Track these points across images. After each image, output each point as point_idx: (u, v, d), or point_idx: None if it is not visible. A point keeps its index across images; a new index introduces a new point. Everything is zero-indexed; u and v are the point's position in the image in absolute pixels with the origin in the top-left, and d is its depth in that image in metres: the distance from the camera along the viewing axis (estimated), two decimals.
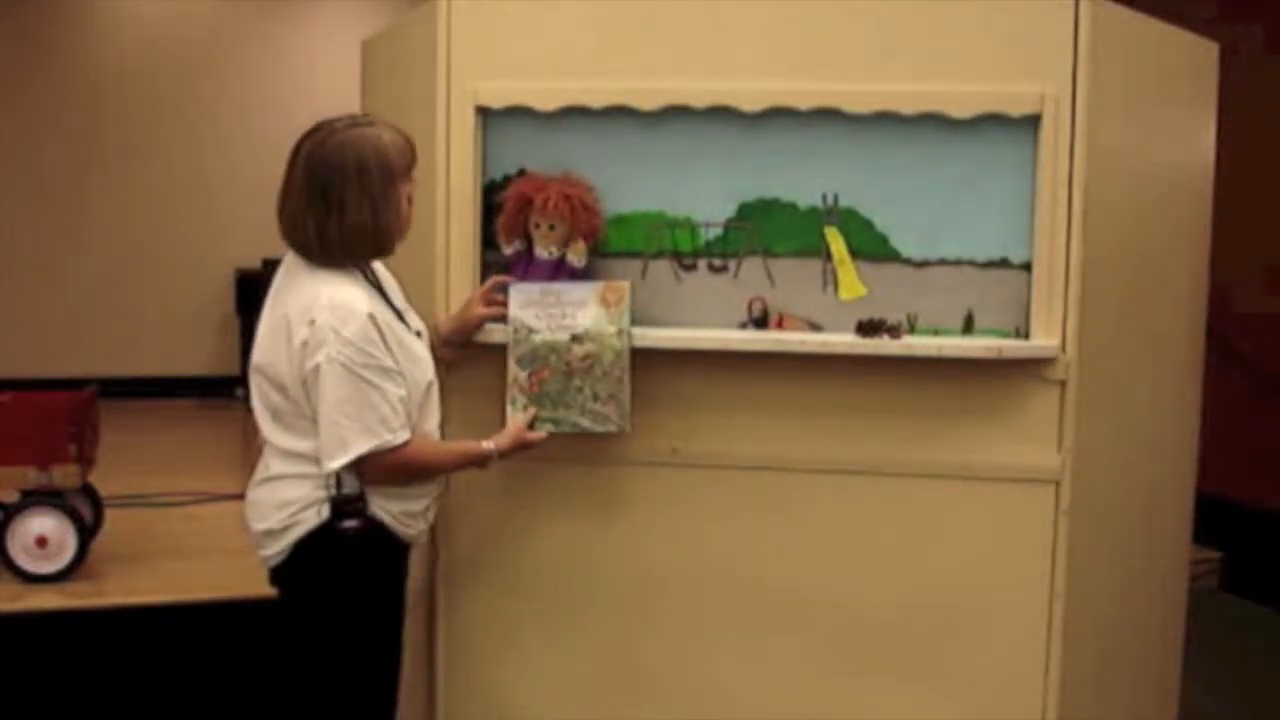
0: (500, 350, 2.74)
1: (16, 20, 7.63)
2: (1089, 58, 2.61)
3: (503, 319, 2.70)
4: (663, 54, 2.74)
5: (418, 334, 2.57)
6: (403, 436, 2.41)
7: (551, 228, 2.72)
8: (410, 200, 2.50)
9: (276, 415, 2.46)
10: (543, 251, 2.74)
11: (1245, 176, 4.63)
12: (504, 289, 2.71)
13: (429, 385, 2.53)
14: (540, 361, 2.68)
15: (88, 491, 4.22)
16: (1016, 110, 2.63)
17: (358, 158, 2.39)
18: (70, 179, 7.76)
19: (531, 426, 2.66)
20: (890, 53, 2.68)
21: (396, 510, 2.49)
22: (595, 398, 2.67)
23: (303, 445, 2.43)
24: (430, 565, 2.90)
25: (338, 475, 2.40)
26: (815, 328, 2.76)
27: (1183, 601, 3.37)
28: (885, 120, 2.67)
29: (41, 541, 3.91)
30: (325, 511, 2.42)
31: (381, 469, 2.41)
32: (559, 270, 2.74)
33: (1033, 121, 2.63)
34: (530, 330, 2.68)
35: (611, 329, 2.66)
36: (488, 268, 2.83)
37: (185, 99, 7.91)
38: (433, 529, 2.75)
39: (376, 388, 2.37)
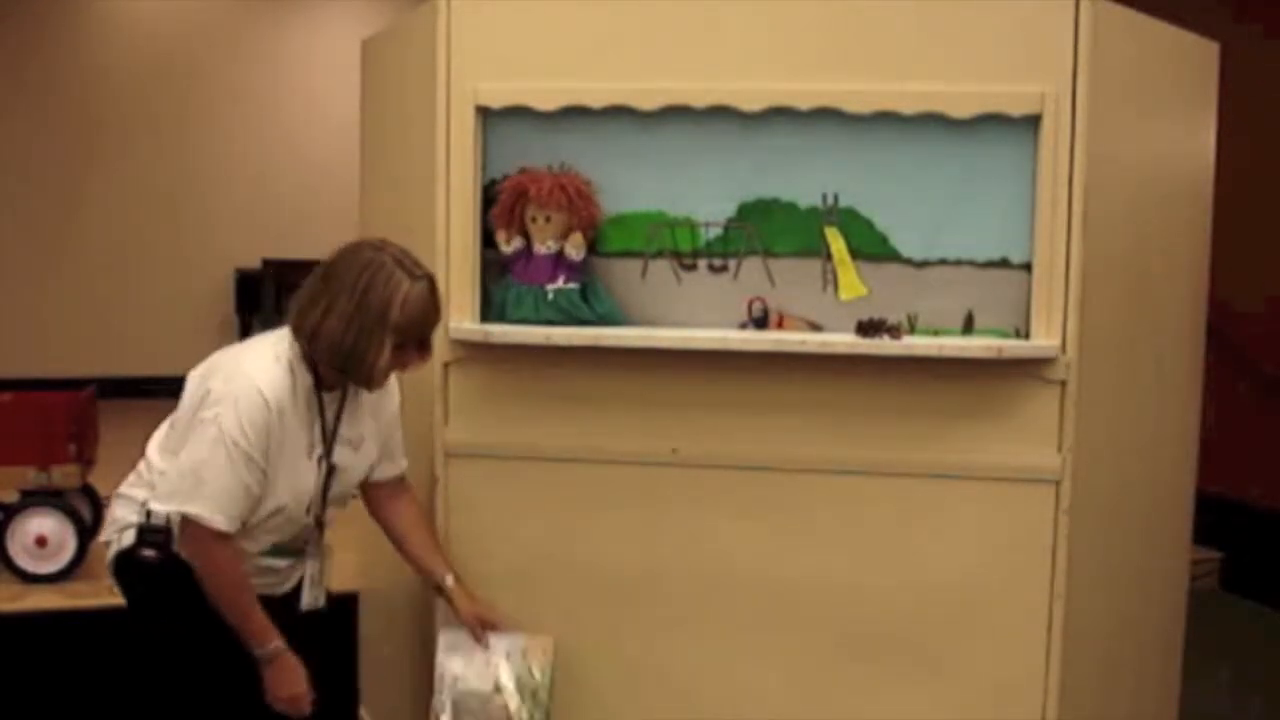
0: (504, 350, 2.75)
1: (16, 20, 7.63)
2: (1089, 58, 2.61)
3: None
4: (663, 54, 2.73)
5: (331, 466, 2.52)
6: (226, 525, 2.38)
7: (548, 219, 2.72)
8: (402, 365, 2.46)
9: (169, 427, 2.53)
10: (540, 246, 2.74)
11: (1246, 177, 4.63)
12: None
13: (281, 511, 2.47)
14: (464, 709, 2.64)
15: (87, 491, 4.22)
16: (1016, 110, 2.63)
17: (367, 284, 2.38)
18: (70, 179, 7.76)
19: None
20: (890, 53, 2.68)
21: None
22: None
23: (156, 459, 2.52)
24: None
25: (148, 508, 2.46)
26: (815, 328, 2.76)
27: (1183, 601, 3.37)
28: (885, 120, 2.67)
29: (41, 541, 3.91)
30: (130, 538, 2.49)
31: (190, 539, 2.41)
32: (558, 265, 2.74)
33: (1033, 122, 2.63)
34: (456, 677, 2.66)
35: (535, 682, 2.65)
36: (487, 266, 2.83)
37: (185, 99, 7.91)
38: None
39: (234, 469, 2.36)
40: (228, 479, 2.36)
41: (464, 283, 2.79)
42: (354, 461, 2.59)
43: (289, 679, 2.47)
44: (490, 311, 2.82)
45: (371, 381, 2.46)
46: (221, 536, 2.39)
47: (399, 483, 2.72)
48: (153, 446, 2.56)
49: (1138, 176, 2.88)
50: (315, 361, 2.45)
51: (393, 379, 2.62)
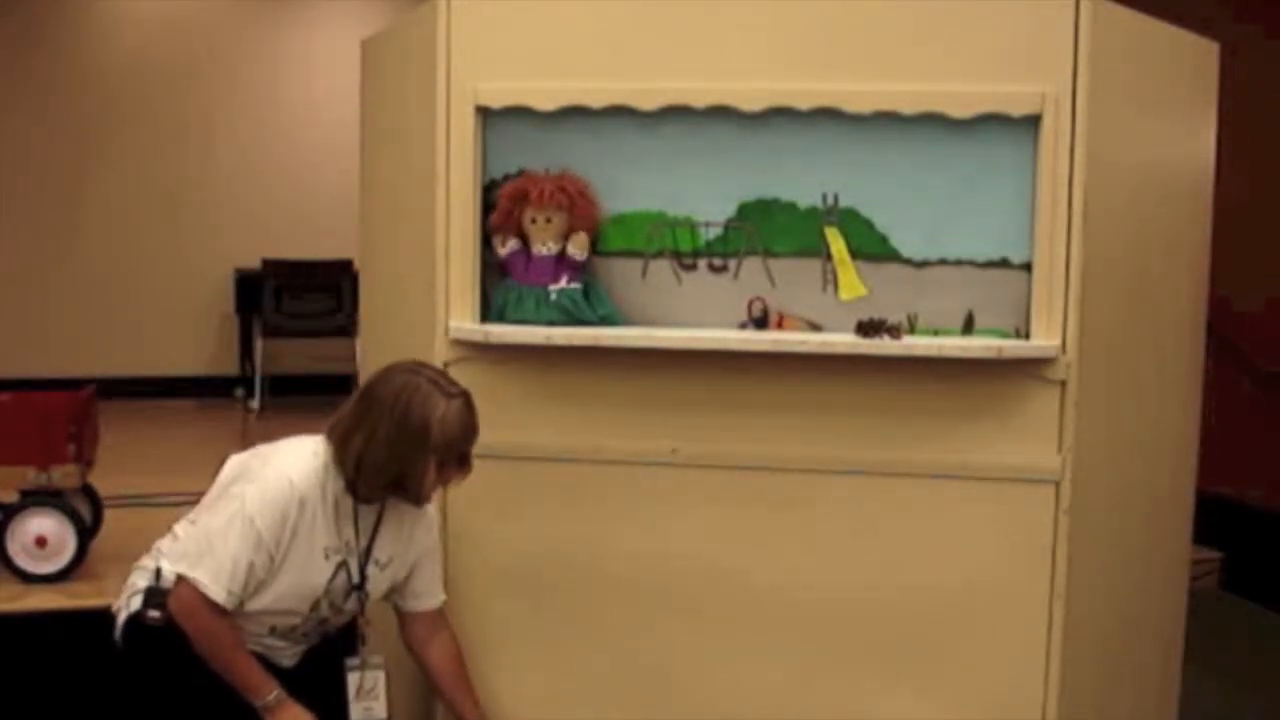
0: (504, 350, 2.75)
1: (16, 20, 7.63)
2: (1089, 58, 2.61)
3: None
4: (663, 54, 2.73)
5: (359, 580, 2.54)
6: (221, 599, 2.41)
7: (548, 220, 2.72)
8: (446, 480, 2.52)
9: (198, 509, 2.57)
10: (540, 248, 2.74)
11: (1246, 177, 4.63)
12: None
13: (281, 601, 2.49)
14: None
15: (87, 491, 4.22)
16: (1016, 110, 2.63)
17: (404, 407, 2.42)
18: (69, 179, 7.75)
19: None
20: (890, 53, 2.68)
21: None
22: None
23: (181, 533, 2.56)
24: None
25: (159, 570, 2.51)
26: (815, 328, 2.76)
27: (1183, 601, 3.36)
28: (885, 120, 2.67)
29: (41, 541, 3.91)
30: (138, 602, 2.53)
31: (184, 600, 2.43)
32: (560, 265, 2.74)
33: (1033, 121, 2.63)
34: None
35: None
36: (488, 267, 2.83)
37: (185, 99, 7.90)
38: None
39: (244, 546, 2.40)
40: (235, 552, 2.40)
41: (464, 283, 2.79)
42: (379, 581, 2.61)
43: None
44: (490, 312, 2.82)
45: (421, 499, 2.52)
46: (214, 607, 2.42)
47: (438, 616, 2.72)
48: (180, 522, 2.61)
49: (1138, 176, 2.88)
50: (352, 476, 2.47)
51: (433, 512, 2.69)
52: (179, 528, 2.59)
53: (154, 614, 2.49)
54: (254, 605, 2.48)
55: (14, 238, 7.67)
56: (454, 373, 2.81)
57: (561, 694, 2.87)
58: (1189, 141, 3.17)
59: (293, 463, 2.47)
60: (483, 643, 2.88)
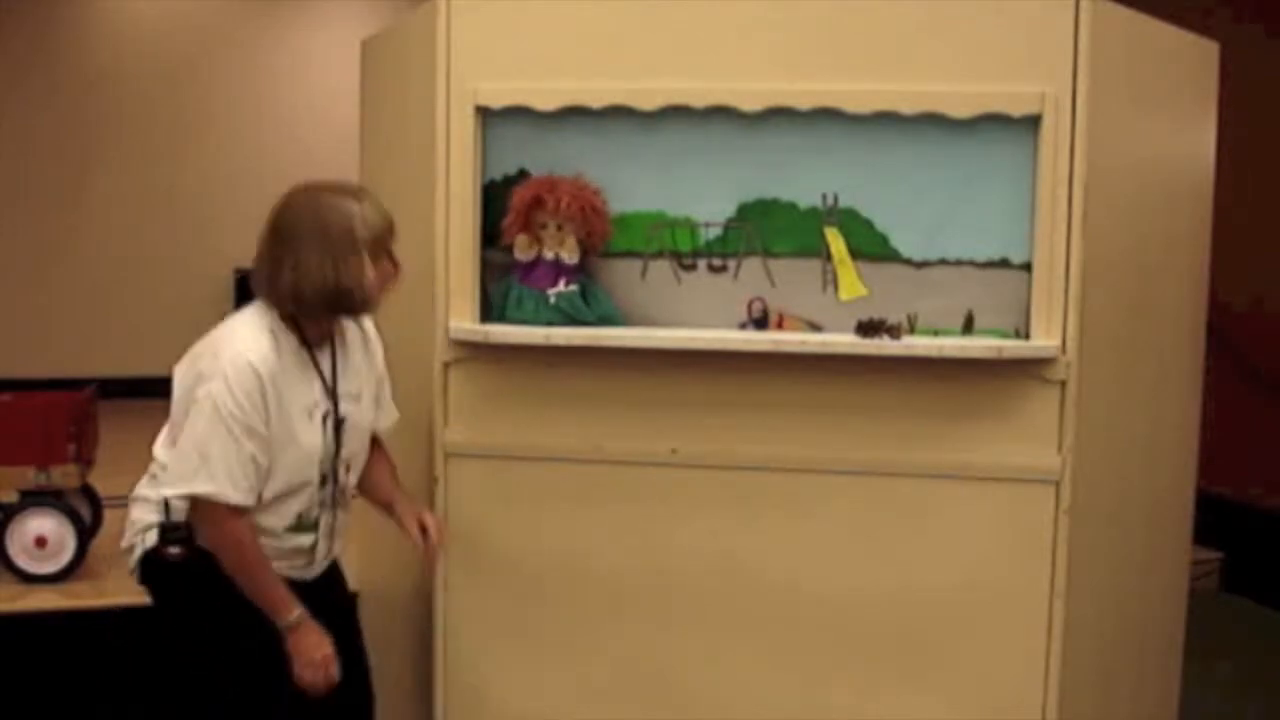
0: (504, 350, 2.74)
1: (17, 20, 7.63)
2: (1089, 58, 2.61)
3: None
4: (663, 54, 2.73)
5: (338, 422, 2.53)
6: (239, 498, 2.39)
7: (559, 227, 2.73)
8: (384, 278, 2.49)
9: (169, 426, 2.54)
10: (548, 253, 2.75)
11: (1246, 177, 4.63)
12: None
13: (294, 476, 2.48)
14: None
15: (87, 491, 4.22)
16: (1016, 110, 2.63)
17: (319, 220, 2.42)
18: (69, 179, 7.75)
19: None
20: (890, 53, 2.67)
21: None
22: None
23: (163, 456, 2.52)
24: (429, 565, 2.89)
25: (166, 502, 2.47)
26: (815, 328, 2.76)
27: (1183, 601, 3.37)
28: (885, 120, 2.67)
29: (41, 542, 3.91)
30: (152, 538, 2.49)
31: (205, 519, 2.43)
32: (557, 270, 2.75)
33: (1033, 121, 2.63)
34: None
35: None
36: (488, 267, 2.83)
37: (184, 98, 7.90)
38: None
39: (235, 441, 2.38)
40: (231, 452, 2.37)
41: (464, 283, 2.79)
42: (358, 414, 2.60)
43: (314, 642, 2.47)
44: (489, 312, 2.82)
45: (369, 303, 2.49)
46: (235, 511, 2.40)
47: (378, 440, 2.74)
48: (157, 445, 2.57)
49: (1138, 176, 2.88)
50: (299, 322, 2.47)
51: (374, 333, 2.67)
52: (160, 452, 2.54)
53: (173, 550, 2.46)
54: (270, 493, 2.46)
55: (14, 238, 7.68)
56: (454, 372, 2.81)
57: (561, 694, 2.87)
58: (1189, 141, 3.17)
59: (244, 344, 2.42)
60: (483, 643, 2.88)
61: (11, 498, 3.97)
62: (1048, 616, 2.69)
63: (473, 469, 2.83)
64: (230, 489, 2.38)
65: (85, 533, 4.01)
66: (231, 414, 2.37)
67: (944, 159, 2.69)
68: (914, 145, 2.69)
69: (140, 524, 2.54)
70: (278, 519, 2.50)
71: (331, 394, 2.53)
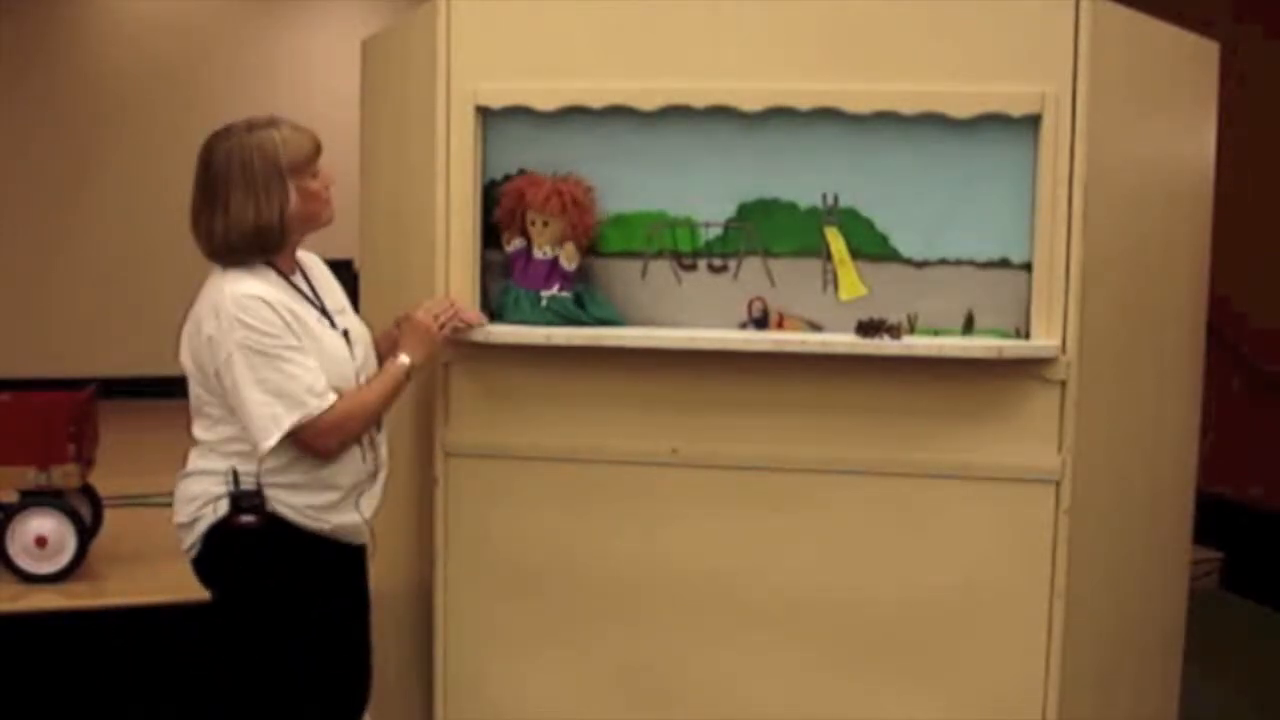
0: (504, 350, 2.75)
1: (17, 20, 7.63)
2: (1089, 58, 2.61)
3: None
4: (663, 54, 2.73)
5: (344, 332, 2.57)
6: (330, 399, 2.43)
7: (545, 224, 2.73)
8: (318, 192, 2.51)
9: (196, 409, 2.52)
10: (539, 251, 2.75)
11: (1246, 177, 4.63)
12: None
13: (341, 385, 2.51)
14: None
15: (88, 491, 4.22)
16: (1016, 110, 2.63)
17: (242, 158, 2.43)
18: (69, 178, 7.76)
19: None
20: (890, 53, 2.67)
21: (300, 504, 2.49)
22: None
23: (210, 435, 2.50)
24: (429, 565, 2.90)
25: (235, 472, 2.45)
26: (815, 328, 2.76)
27: (1183, 601, 3.36)
28: (885, 120, 2.67)
29: (41, 542, 3.91)
30: (224, 507, 2.47)
31: (321, 434, 2.44)
32: (553, 271, 2.75)
33: (1033, 121, 2.63)
34: None
35: None
36: (488, 267, 2.83)
37: (185, 98, 7.90)
38: (430, 530, 2.75)
39: (289, 361, 2.40)
40: (293, 370, 2.40)
41: (464, 283, 2.79)
42: (355, 325, 2.63)
43: (425, 349, 2.60)
44: (489, 313, 2.82)
45: (288, 233, 2.49)
46: (334, 407, 2.42)
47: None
48: (194, 429, 2.55)
49: (1138, 176, 2.88)
50: (270, 261, 2.49)
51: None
52: (200, 432, 2.52)
53: (246, 519, 2.46)
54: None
55: (14, 237, 7.68)
56: (454, 372, 2.81)
57: (561, 694, 2.87)
58: (1189, 141, 3.17)
59: (235, 288, 2.42)
60: (483, 643, 2.88)
61: (12, 498, 3.98)
62: (1048, 616, 2.69)
63: (473, 469, 2.83)
64: (315, 400, 2.41)
65: (85, 533, 4.02)
66: (265, 346, 2.38)
67: (944, 159, 2.69)
68: (914, 145, 2.69)
69: (205, 496, 2.49)
70: (345, 476, 2.52)
71: (324, 313, 2.56)
